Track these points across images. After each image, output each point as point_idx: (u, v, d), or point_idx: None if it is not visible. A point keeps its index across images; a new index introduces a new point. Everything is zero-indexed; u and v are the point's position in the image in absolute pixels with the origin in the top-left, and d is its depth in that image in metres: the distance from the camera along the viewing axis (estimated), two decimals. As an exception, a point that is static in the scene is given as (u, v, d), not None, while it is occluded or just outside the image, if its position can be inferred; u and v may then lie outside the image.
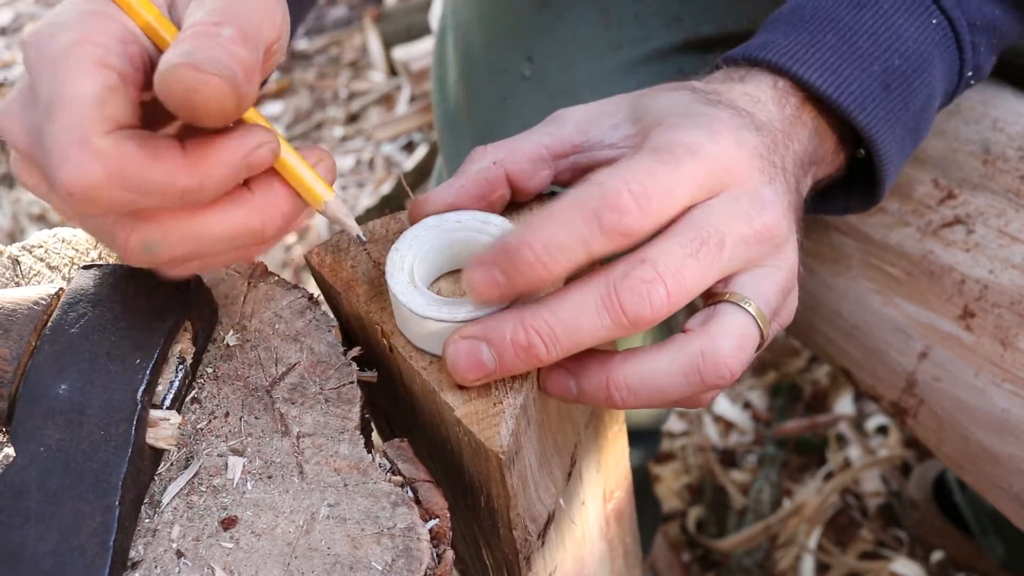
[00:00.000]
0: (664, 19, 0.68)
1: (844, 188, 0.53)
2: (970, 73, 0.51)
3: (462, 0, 0.76)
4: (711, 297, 0.41)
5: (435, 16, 2.03)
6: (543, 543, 0.48)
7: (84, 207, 0.33)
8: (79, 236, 0.48)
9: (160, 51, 0.36)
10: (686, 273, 0.38)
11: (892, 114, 0.47)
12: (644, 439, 0.99)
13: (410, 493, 0.40)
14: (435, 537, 0.39)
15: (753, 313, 0.40)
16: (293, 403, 0.42)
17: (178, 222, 0.35)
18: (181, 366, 0.41)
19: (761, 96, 0.46)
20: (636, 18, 0.68)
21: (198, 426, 0.42)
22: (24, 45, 0.35)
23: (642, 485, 1.07)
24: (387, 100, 2.20)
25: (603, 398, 0.40)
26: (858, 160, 0.51)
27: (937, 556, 1.19)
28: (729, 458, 1.35)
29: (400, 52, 2.12)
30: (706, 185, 0.39)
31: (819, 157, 0.48)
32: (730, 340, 0.39)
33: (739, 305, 0.40)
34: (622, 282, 0.37)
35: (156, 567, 0.37)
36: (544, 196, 0.48)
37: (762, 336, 0.40)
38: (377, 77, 2.27)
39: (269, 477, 0.40)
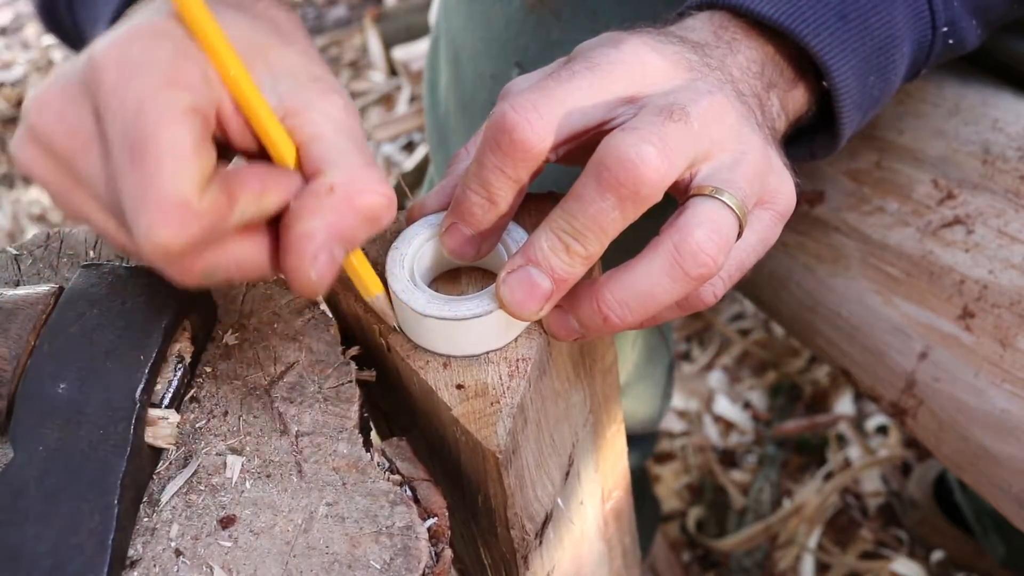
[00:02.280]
0: (654, 24, 0.68)
1: (810, 134, 0.53)
2: (945, 28, 0.51)
3: (452, 6, 0.76)
4: (681, 197, 0.41)
5: (435, 16, 2.03)
6: (541, 542, 0.48)
7: (170, 260, 0.33)
8: (78, 235, 0.48)
9: (234, 102, 0.36)
10: (668, 134, 0.38)
11: (848, 44, 0.47)
12: (640, 441, 0.99)
13: (408, 492, 0.40)
14: (433, 536, 0.39)
15: (723, 199, 0.39)
16: (292, 402, 0.42)
17: (240, 244, 0.36)
18: (180, 365, 0.41)
19: (696, 26, 0.46)
20: (624, 23, 0.68)
21: (197, 425, 0.42)
22: (95, 70, 0.34)
23: (641, 485, 1.07)
24: (387, 100, 2.20)
25: (601, 322, 0.40)
26: (825, 103, 0.50)
27: (937, 556, 1.19)
28: (729, 458, 1.35)
29: (400, 52, 2.12)
30: (629, 85, 0.41)
31: (775, 81, 0.47)
32: (701, 228, 0.39)
33: (705, 195, 0.40)
34: (608, 157, 0.38)
35: (155, 566, 0.37)
36: (544, 196, 0.48)
37: (739, 221, 0.40)
38: (377, 77, 2.27)
39: (268, 476, 0.40)
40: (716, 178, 0.40)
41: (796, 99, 0.49)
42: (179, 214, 0.32)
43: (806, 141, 0.53)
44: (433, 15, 2.03)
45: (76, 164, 0.34)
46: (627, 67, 0.41)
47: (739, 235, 0.40)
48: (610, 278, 0.40)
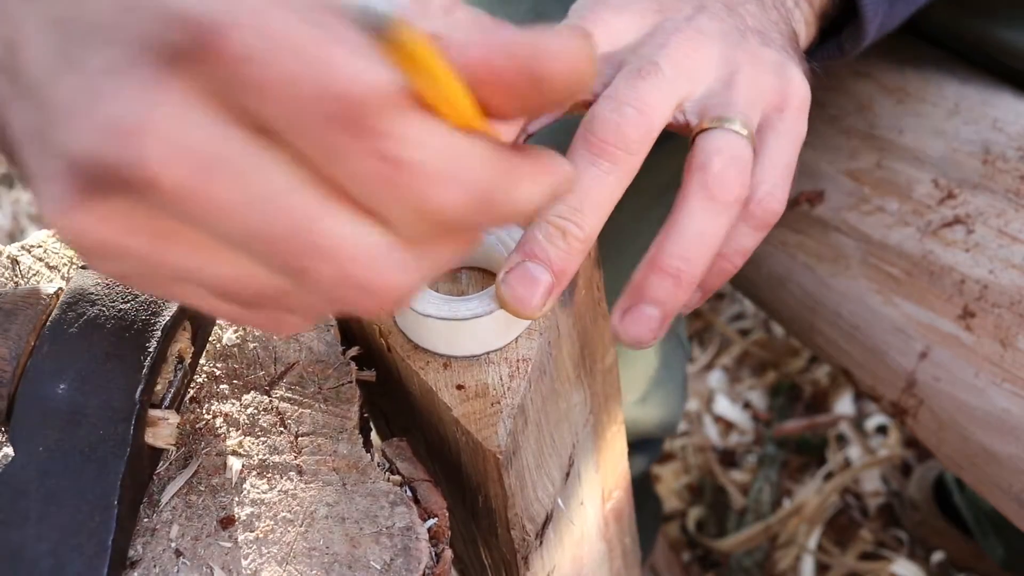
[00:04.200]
0: None
1: (838, 31, 0.53)
2: None
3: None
4: (688, 134, 0.42)
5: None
6: (541, 543, 0.48)
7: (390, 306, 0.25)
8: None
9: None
10: (642, 91, 0.39)
11: None
12: (651, 444, 0.99)
13: (408, 492, 0.40)
14: (434, 536, 0.39)
15: (724, 127, 0.40)
16: (292, 402, 0.42)
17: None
18: (180, 366, 0.41)
19: None
20: None
21: (197, 425, 0.42)
22: (208, 32, 0.21)
23: (643, 485, 1.07)
24: (387, 100, 2.20)
25: (674, 286, 0.40)
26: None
27: (937, 557, 1.19)
28: (729, 458, 1.35)
29: (400, 52, 2.12)
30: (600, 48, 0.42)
31: None
32: (715, 158, 0.40)
33: (705, 130, 0.41)
34: (592, 124, 0.39)
35: (155, 566, 0.37)
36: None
37: (748, 139, 0.41)
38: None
39: (268, 476, 0.40)
40: (712, 109, 0.41)
41: None
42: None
43: (834, 38, 0.53)
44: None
45: (200, 199, 0.23)
46: (600, 37, 0.42)
47: (754, 151, 0.41)
48: (658, 244, 0.41)
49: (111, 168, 0.22)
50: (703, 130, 0.41)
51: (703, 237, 0.40)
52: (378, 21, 0.22)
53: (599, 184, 0.39)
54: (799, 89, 0.44)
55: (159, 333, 0.40)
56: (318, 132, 0.22)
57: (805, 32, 0.50)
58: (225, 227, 0.24)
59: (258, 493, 0.39)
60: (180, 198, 0.23)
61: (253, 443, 0.41)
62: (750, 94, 0.42)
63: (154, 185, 0.22)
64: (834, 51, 0.52)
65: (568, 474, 0.49)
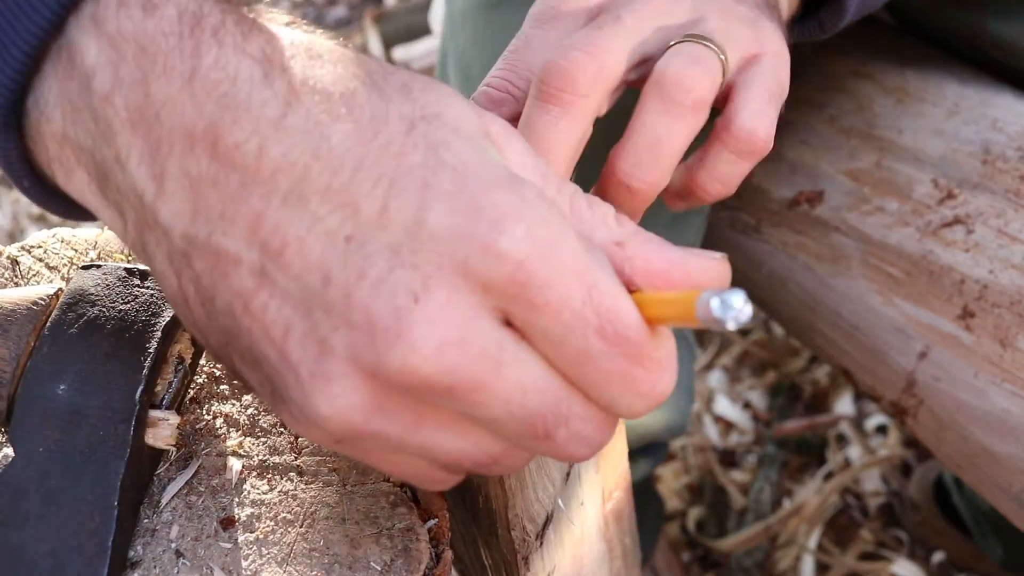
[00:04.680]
0: None
1: (816, 9, 0.53)
2: None
3: (458, 23, 0.76)
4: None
5: (435, 17, 2.02)
6: (541, 543, 0.48)
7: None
8: (78, 236, 0.48)
9: None
10: (594, 37, 0.39)
11: None
12: (654, 449, 0.99)
13: (409, 493, 0.40)
14: (434, 537, 0.39)
15: (691, 40, 0.40)
16: (292, 403, 0.42)
17: None
18: (180, 366, 0.41)
19: None
20: None
21: (197, 426, 0.42)
22: (508, 263, 0.26)
23: (646, 486, 1.07)
24: (387, 100, 2.19)
25: (628, 194, 0.40)
26: None
27: (938, 557, 1.19)
28: (729, 458, 1.35)
29: (400, 52, 2.12)
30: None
31: None
32: (675, 58, 0.40)
33: (672, 44, 0.41)
34: (540, 73, 0.39)
35: (155, 567, 0.37)
36: None
37: (717, 52, 0.40)
38: (377, 77, 2.26)
39: (268, 477, 0.40)
40: (679, 35, 0.41)
41: None
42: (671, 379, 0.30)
43: (816, 14, 0.53)
44: (434, 15, 2.03)
45: (482, 392, 0.27)
46: (572, 2, 0.43)
47: (724, 76, 0.41)
48: (613, 152, 0.40)
49: (424, 380, 0.26)
50: (668, 47, 0.41)
51: (658, 145, 0.39)
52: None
53: (551, 129, 0.39)
54: (774, 40, 0.43)
55: (159, 334, 0.40)
56: (575, 342, 0.27)
57: (787, 6, 0.49)
58: (491, 409, 0.28)
59: (258, 494, 0.39)
60: (466, 394, 0.27)
61: (253, 444, 0.41)
62: (723, 33, 0.42)
63: (453, 389, 0.27)
64: (815, 27, 0.52)
65: (568, 474, 0.49)
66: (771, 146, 0.42)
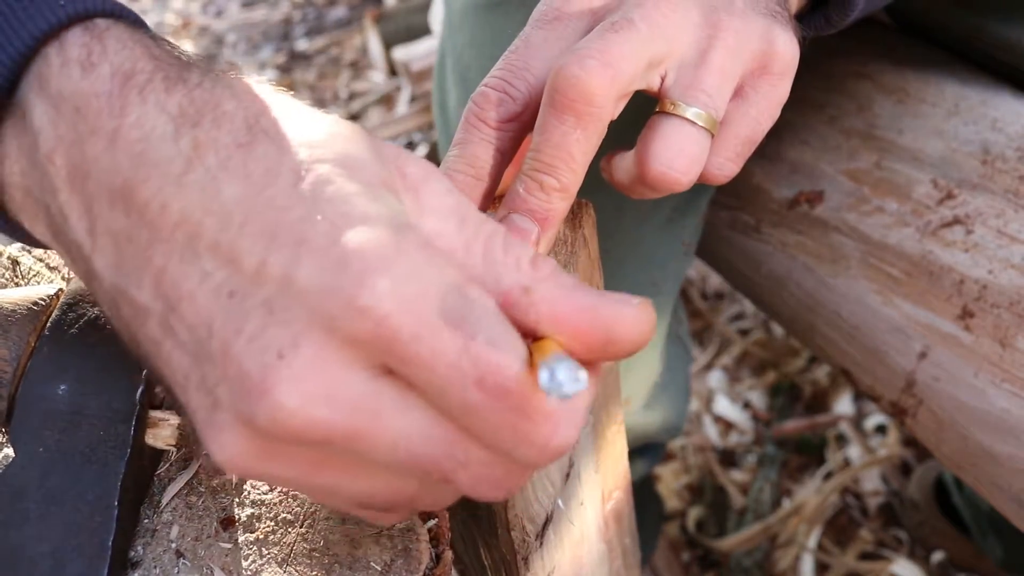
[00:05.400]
0: None
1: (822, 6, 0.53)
2: None
3: (456, 23, 0.75)
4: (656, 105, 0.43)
5: (435, 17, 2.03)
6: (541, 544, 0.48)
7: (555, 456, 0.30)
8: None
9: None
10: (609, 42, 0.39)
11: None
12: (652, 450, 0.99)
13: (409, 493, 0.40)
14: (434, 537, 0.39)
15: (684, 116, 0.41)
16: (292, 403, 0.42)
17: None
18: (180, 366, 0.41)
19: None
20: None
21: (197, 426, 0.42)
22: (372, 319, 0.27)
23: (645, 486, 1.07)
24: (387, 100, 2.20)
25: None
26: None
27: (937, 557, 1.19)
28: (729, 458, 1.35)
29: (400, 52, 2.12)
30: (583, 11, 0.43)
31: None
32: (663, 154, 0.41)
33: (667, 113, 0.41)
34: (556, 81, 0.39)
35: (155, 567, 0.37)
36: None
37: (707, 129, 0.41)
38: (377, 77, 2.27)
39: (268, 477, 0.40)
40: (680, 83, 0.41)
41: None
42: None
43: (823, 8, 0.53)
44: (434, 15, 2.03)
45: (361, 441, 0.28)
46: (572, 5, 0.43)
47: (712, 136, 0.42)
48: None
49: (291, 433, 0.27)
50: (662, 112, 0.41)
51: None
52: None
53: (568, 139, 0.39)
54: (784, 54, 0.43)
55: (159, 334, 0.40)
56: (456, 394, 0.27)
57: (796, 1, 0.49)
58: (377, 455, 0.28)
59: (258, 494, 0.39)
60: (345, 443, 0.27)
61: (253, 444, 0.41)
62: (726, 65, 0.41)
63: (329, 440, 0.27)
64: (821, 22, 0.52)
65: (568, 475, 0.49)
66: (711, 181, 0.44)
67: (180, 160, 0.29)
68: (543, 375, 0.26)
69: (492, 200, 0.42)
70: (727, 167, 0.44)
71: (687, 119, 0.41)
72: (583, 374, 0.26)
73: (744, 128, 0.44)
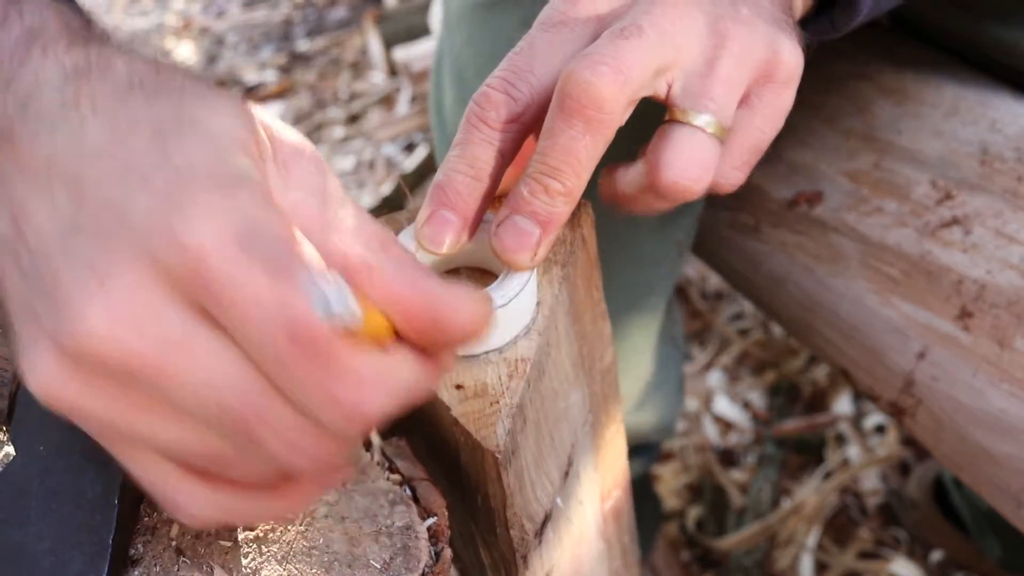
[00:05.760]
0: None
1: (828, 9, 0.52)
2: None
3: (454, 22, 0.75)
4: (665, 114, 0.43)
5: (435, 17, 2.03)
6: (540, 542, 0.48)
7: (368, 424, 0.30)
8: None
9: None
10: (620, 48, 0.39)
11: None
12: (645, 450, 0.99)
13: (408, 491, 0.40)
14: (433, 535, 0.39)
15: (694, 124, 0.41)
16: (292, 402, 0.42)
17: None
18: (180, 365, 0.41)
19: None
20: None
21: (197, 425, 0.42)
22: (183, 251, 0.28)
23: (641, 486, 1.07)
24: (387, 101, 2.20)
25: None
26: None
27: (936, 556, 1.19)
28: (728, 458, 1.35)
29: (400, 53, 2.12)
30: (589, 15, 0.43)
31: None
32: (675, 163, 0.41)
33: (677, 121, 0.41)
34: (566, 85, 0.39)
35: (156, 565, 0.37)
36: None
37: (716, 136, 0.41)
38: (377, 78, 2.27)
39: (268, 476, 0.40)
40: (688, 92, 0.41)
41: None
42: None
43: (828, 13, 0.52)
44: (434, 15, 2.03)
45: (168, 378, 0.28)
46: (579, 9, 0.43)
47: (721, 142, 0.42)
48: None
49: (98, 357, 0.27)
50: (672, 120, 0.41)
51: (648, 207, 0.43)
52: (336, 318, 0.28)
53: (576, 144, 0.39)
54: (788, 62, 0.43)
55: (160, 333, 0.40)
56: (265, 342, 0.28)
57: (801, 5, 0.49)
58: (184, 398, 0.28)
59: (258, 492, 0.40)
60: (152, 378, 0.28)
61: (253, 442, 0.41)
62: (732, 74, 0.42)
63: (133, 370, 0.28)
64: (826, 26, 0.52)
65: (567, 473, 0.49)
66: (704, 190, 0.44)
67: (59, 106, 0.31)
68: (309, 287, 0.27)
69: (492, 201, 0.42)
70: (733, 176, 0.44)
71: (698, 127, 0.41)
72: (355, 305, 0.27)
73: (750, 137, 0.44)
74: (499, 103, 0.41)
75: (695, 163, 0.41)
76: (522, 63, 0.42)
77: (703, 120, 0.41)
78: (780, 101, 0.44)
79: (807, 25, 0.51)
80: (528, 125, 0.42)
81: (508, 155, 0.42)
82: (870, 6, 0.50)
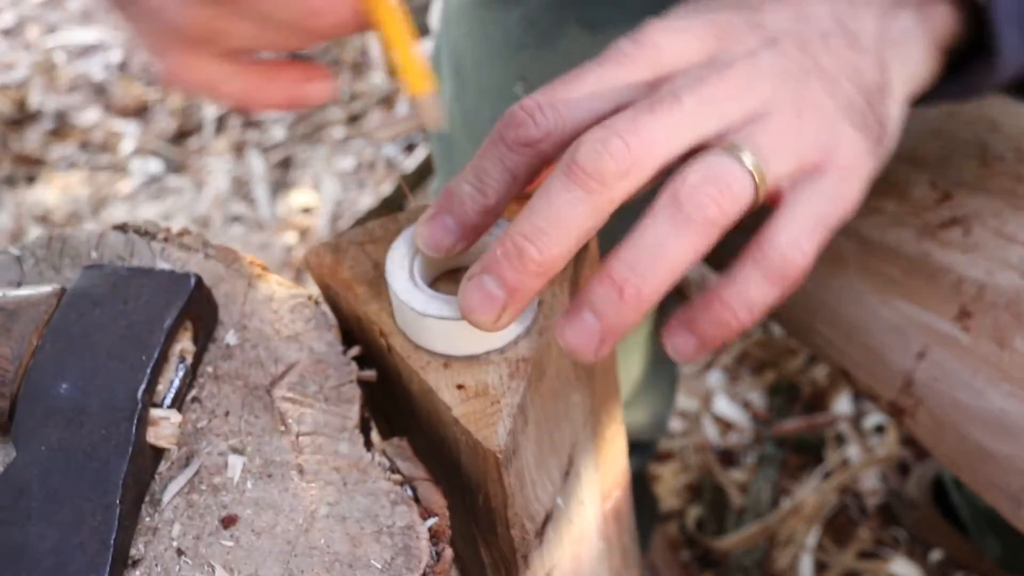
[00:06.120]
0: None
1: (966, 64, 0.46)
2: None
3: (453, 16, 0.75)
4: None
5: (435, 17, 2.03)
6: (541, 542, 0.48)
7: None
8: (80, 236, 0.48)
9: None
10: (642, 124, 0.37)
11: None
12: (638, 449, 0.99)
13: (409, 492, 0.40)
14: (434, 535, 0.39)
15: (730, 152, 0.37)
16: (293, 402, 0.43)
17: None
18: (181, 365, 0.42)
19: None
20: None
21: (198, 425, 0.42)
22: None
23: (640, 485, 1.07)
24: (387, 101, 2.20)
25: (617, 297, 0.37)
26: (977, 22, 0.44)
27: (936, 555, 1.19)
28: (728, 457, 1.36)
29: (400, 52, 2.12)
30: (645, 71, 0.40)
31: None
32: (696, 172, 0.37)
33: (718, 148, 0.38)
34: (576, 150, 0.37)
35: (157, 565, 0.37)
36: None
37: (752, 176, 0.37)
38: (377, 78, 2.27)
39: (269, 476, 0.40)
40: (739, 137, 0.38)
41: (942, 15, 0.43)
42: None
43: (960, 75, 0.46)
44: (434, 15, 2.03)
45: None
46: (640, 54, 0.41)
47: (757, 196, 0.38)
48: (615, 248, 0.38)
49: None
50: (707, 149, 0.38)
51: (659, 250, 0.37)
52: None
53: (569, 210, 0.37)
54: (847, 153, 0.40)
55: (161, 333, 0.40)
56: None
57: (922, 71, 0.44)
58: None
59: (259, 492, 0.40)
60: None
61: (254, 442, 0.41)
62: (782, 140, 0.38)
63: None
64: (958, 90, 0.46)
65: (567, 473, 0.49)
66: (804, 276, 0.39)
67: None
68: None
69: (494, 216, 0.41)
70: (801, 244, 0.39)
71: (733, 155, 0.38)
72: None
73: (812, 209, 0.40)
74: (520, 123, 0.39)
75: (715, 179, 0.37)
76: (560, 90, 0.40)
77: (737, 151, 0.37)
78: (841, 189, 0.40)
79: (936, 91, 0.46)
80: (546, 154, 0.40)
81: (520, 177, 0.40)
82: (1018, 66, 0.44)
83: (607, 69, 0.41)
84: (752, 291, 0.38)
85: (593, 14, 0.66)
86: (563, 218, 0.37)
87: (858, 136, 0.40)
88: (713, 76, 0.39)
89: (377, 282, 0.45)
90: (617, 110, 0.40)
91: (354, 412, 0.42)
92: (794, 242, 0.38)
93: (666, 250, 0.37)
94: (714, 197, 0.37)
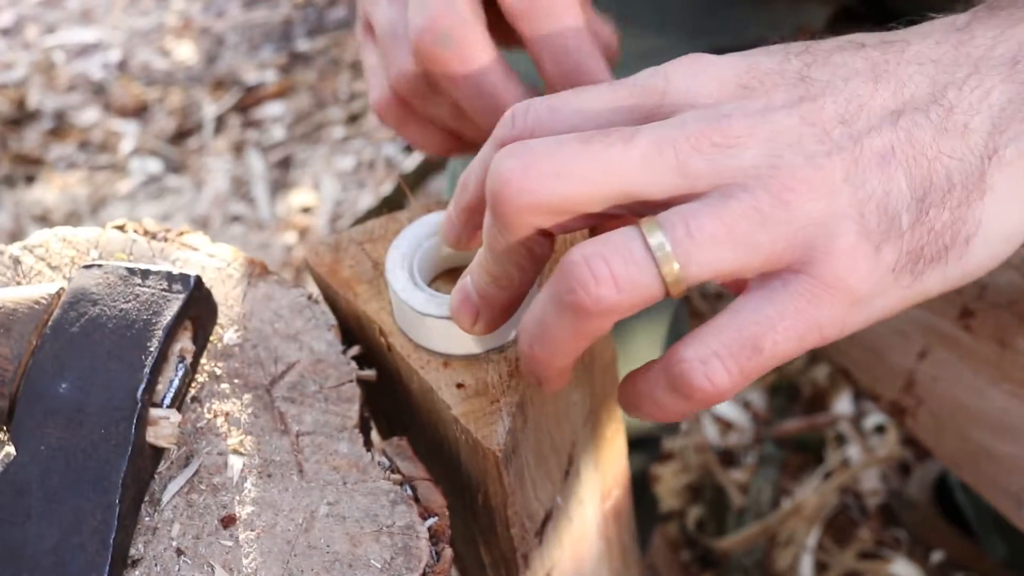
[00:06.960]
0: (688, 30, 0.68)
1: None
2: None
3: None
4: None
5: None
6: (541, 541, 0.48)
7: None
8: (79, 235, 0.48)
9: None
10: (564, 151, 0.32)
11: None
12: (645, 445, 0.99)
13: (409, 491, 0.40)
14: (434, 535, 0.39)
15: (646, 235, 0.30)
16: (292, 402, 0.42)
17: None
18: (181, 365, 0.41)
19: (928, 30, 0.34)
20: (662, 28, 0.67)
21: (198, 425, 0.42)
22: None
23: (639, 482, 1.07)
24: (387, 100, 2.19)
25: (530, 363, 0.35)
26: None
27: (936, 556, 1.19)
28: (728, 458, 1.36)
29: (400, 52, 2.12)
30: (647, 98, 0.35)
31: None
32: (594, 245, 0.31)
33: (641, 220, 0.31)
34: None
35: (156, 565, 0.37)
36: None
37: (658, 270, 0.30)
38: (377, 77, 2.27)
39: (269, 475, 0.40)
40: (670, 206, 0.31)
41: None
42: None
43: None
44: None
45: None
46: (648, 83, 0.35)
47: (667, 292, 0.31)
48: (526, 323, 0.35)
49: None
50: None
51: (544, 327, 0.33)
52: None
53: (489, 234, 0.35)
54: (836, 265, 0.30)
55: (160, 332, 0.40)
56: None
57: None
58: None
59: (259, 492, 0.40)
60: None
61: (254, 442, 0.41)
62: (736, 227, 0.30)
63: None
64: None
65: (567, 472, 0.49)
66: (726, 397, 0.32)
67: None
68: None
69: (473, 212, 0.40)
70: (713, 365, 0.32)
71: (642, 235, 0.31)
72: None
73: (749, 323, 0.32)
74: (505, 122, 0.36)
75: (604, 259, 0.30)
76: (556, 98, 0.36)
77: (651, 231, 0.30)
78: (802, 304, 0.31)
79: None
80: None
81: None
82: None
83: (608, 90, 0.36)
84: (659, 395, 0.33)
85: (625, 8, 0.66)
86: (494, 244, 0.35)
87: (865, 247, 0.31)
88: (696, 124, 0.31)
89: (377, 281, 0.45)
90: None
91: (354, 412, 0.42)
92: (704, 361, 0.31)
93: (549, 326, 0.33)
94: (596, 279, 0.30)
